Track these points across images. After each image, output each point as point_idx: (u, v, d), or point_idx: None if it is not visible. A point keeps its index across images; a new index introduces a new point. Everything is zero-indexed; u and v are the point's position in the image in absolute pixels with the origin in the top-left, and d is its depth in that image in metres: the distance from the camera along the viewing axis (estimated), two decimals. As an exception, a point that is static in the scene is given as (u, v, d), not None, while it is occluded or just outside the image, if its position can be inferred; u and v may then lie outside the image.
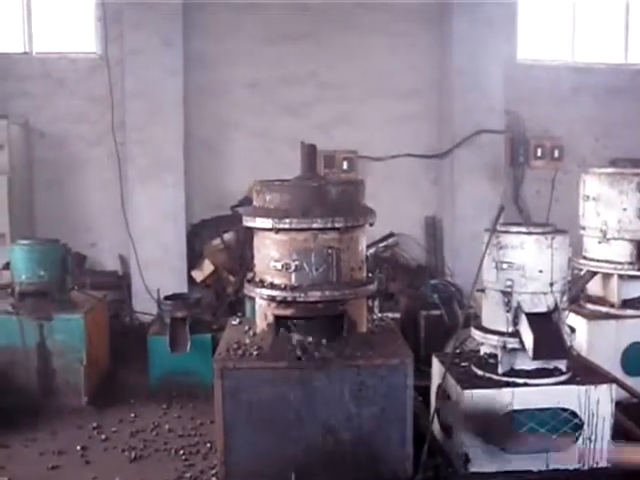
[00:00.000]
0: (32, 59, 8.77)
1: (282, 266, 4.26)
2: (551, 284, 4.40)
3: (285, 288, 4.25)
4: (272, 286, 4.30)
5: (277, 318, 4.36)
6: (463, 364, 4.74)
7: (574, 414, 4.38)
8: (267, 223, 4.23)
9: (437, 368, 4.90)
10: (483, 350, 4.73)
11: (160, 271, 8.29)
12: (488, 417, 4.25)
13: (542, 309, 4.42)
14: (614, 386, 4.47)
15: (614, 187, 5.75)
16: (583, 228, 6.02)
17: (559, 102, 9.55)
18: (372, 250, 8.27)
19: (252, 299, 4.84)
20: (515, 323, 4.41)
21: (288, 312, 4.31)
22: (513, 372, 4.47)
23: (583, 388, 4.39)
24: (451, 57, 8.88)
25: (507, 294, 4.42)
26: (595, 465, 4.43)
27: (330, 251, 4.23)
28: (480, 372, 4.56)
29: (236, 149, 9.02)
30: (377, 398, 4.17)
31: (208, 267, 8.59)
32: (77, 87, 8.76)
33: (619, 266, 5.78)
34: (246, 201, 8.20)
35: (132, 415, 6.08)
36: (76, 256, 7.83)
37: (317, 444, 4.19)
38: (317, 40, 8.96)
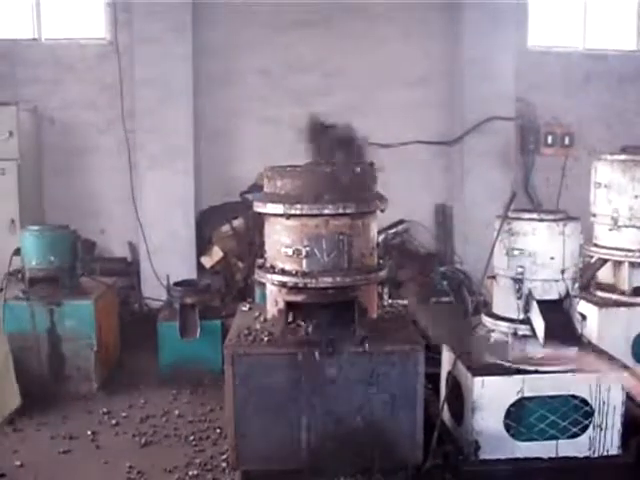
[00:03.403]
0: (41, 45, 8.76)
1: (293, 252, 4.24)
2: (562, 271, 4.38)
3: (296, 274, 4.23)
4: (283, 272, 4.29)
5: (288, 304, 4.35)
6: (474, 351, 4.73)
7: (585, 401, 4.37)
8: (278, 209, 4.22)
9: (447, 355, 4.89)
10: (494, 337, 4.72)
11: (169, 257, 8.28)
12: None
13: (553, 296, 4.40)
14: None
15: (626, 174, 5.71)
16: (594, 215, 5.99)
17: (570, 89, 9.49)
18: (382, 237, 8.23)
19: (262, 285, 4.84)
20: (526, 310, 4.40)
21: (299, 298, 4.30)
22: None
23: (594, 376, 4.38)
24: (462, 44, 8.83)
25: (518, 281, 4.40)
26: (605, 453, 4.43)
27: (341, 237, 4.22)
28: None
29: (246, 136, 9.00)
30: (388, 385, 4.17)
31: (217, 253, 8.59)
32: (86, 73, 8.75)
33: (630, 253, 5.76)
34: (255, 188, 8.18)
35: (142, 401, 6.10)
36: (86, 242, 7.83)
37: (327, 430, 4.19)
38: (328, 27, 8.89)
